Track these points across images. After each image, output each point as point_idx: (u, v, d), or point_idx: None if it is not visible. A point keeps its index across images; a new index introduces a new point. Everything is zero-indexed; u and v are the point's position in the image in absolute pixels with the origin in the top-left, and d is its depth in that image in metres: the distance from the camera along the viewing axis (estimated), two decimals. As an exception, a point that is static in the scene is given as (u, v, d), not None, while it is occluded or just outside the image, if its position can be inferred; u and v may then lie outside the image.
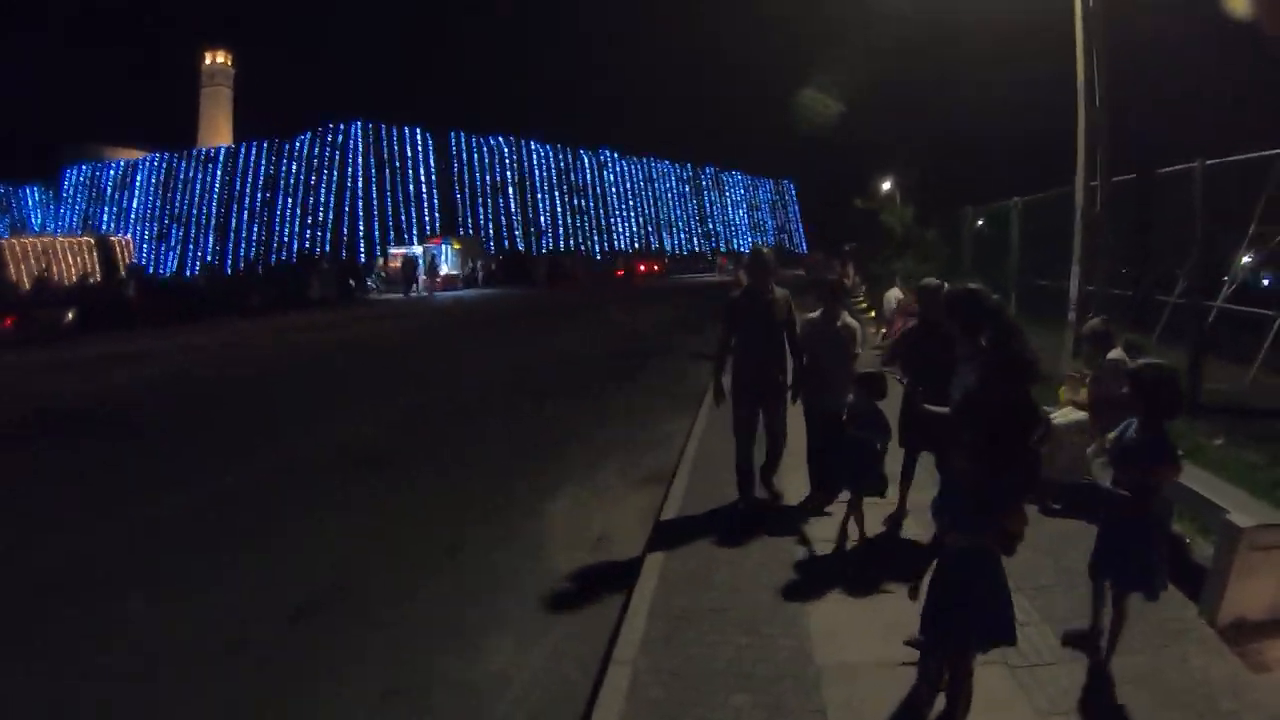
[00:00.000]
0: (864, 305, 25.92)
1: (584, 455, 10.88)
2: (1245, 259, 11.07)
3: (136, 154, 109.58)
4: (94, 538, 7.99)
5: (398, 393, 15.99)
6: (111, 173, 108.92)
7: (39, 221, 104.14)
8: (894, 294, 18.74)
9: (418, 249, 61.37)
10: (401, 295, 49.45)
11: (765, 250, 8.18)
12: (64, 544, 7.84)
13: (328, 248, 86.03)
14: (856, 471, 6.97)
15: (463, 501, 9.03)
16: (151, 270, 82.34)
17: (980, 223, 21.80)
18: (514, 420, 13.33)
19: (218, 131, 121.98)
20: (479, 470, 10.32)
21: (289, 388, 17.22)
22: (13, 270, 47.35)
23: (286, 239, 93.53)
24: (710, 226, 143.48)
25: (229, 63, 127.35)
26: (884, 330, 18.44)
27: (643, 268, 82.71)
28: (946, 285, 7.39)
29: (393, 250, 62.65)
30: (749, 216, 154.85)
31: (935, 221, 25.76)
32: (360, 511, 8.78)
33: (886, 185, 44.30)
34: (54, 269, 49.79)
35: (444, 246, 62.31)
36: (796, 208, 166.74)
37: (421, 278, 53.92)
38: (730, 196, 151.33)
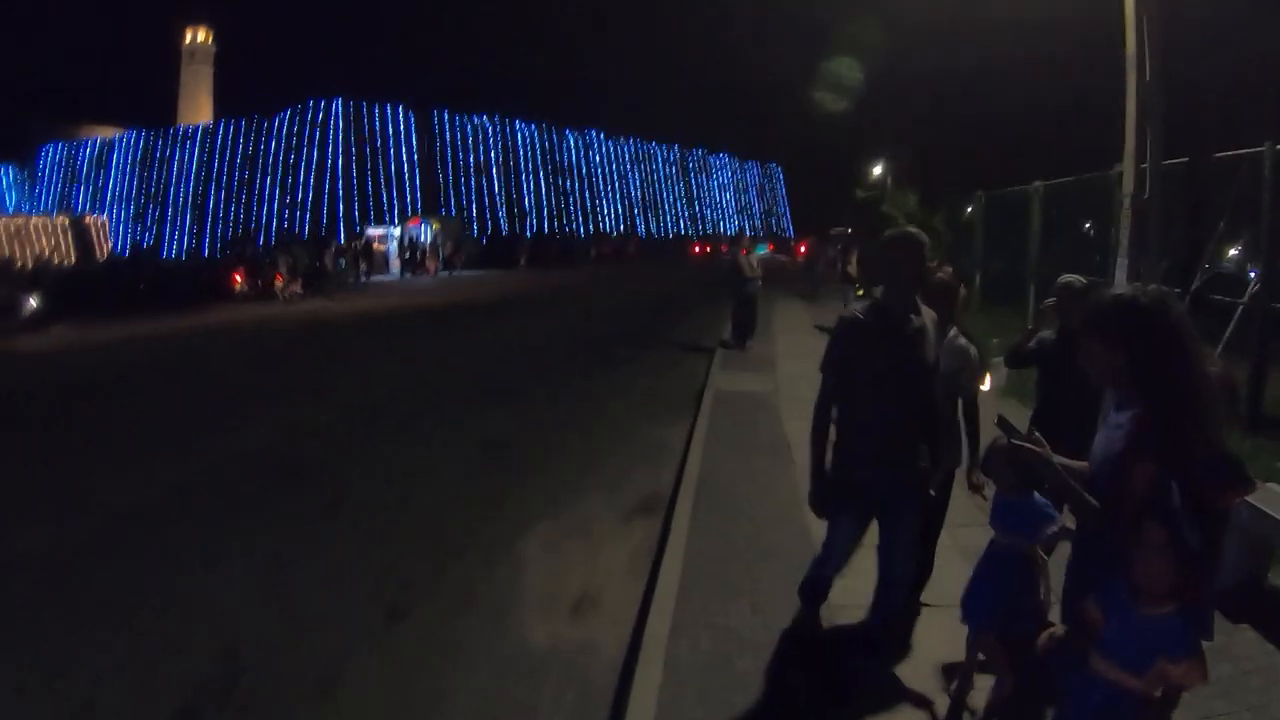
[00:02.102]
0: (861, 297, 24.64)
1: (559, 471, 9.29)
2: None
3: (114, 132, 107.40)
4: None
5: (344, 388, 14.45)
6: (88, 151, 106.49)
7: (13, 202, 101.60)
8: None
9: (395, 230, 59.82)
10: (394, 278, 47.86)
11: (913, 232, 4.56)
12: None
13: (305, 228, 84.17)
14: (1000, 600, 4.18)
15: (408, 537, 7.41)
16: (130, 251, 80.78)
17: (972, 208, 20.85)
18: (473, 425, 11.68)
19: (198, 109, 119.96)
20: (429, 493, 8.70)
21: (237, 381, 15.61)
22: None
23: (265, 220, 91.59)
24: (697, 209, 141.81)
25: (209, 40, 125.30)
26: None
27: (697, 249, 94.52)
28: (1087, 283, 5.65)
29: (370, 231, 60.79)
30: (736, 199, 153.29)
31: (939, 207, 24.56)
32: (272, 552, 7.07)
33: (878, 169, 43.00)
34: (25, 250, 48.52)
35: (423, 226, 60.93)
36: (784, 190, 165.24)
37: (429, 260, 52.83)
38: (718, 179, 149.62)
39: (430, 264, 53.59)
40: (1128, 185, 10.19)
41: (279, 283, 34.72)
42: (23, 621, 5.82)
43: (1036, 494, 4.11)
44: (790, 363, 15.71)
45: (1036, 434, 3.34)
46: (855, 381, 4.52)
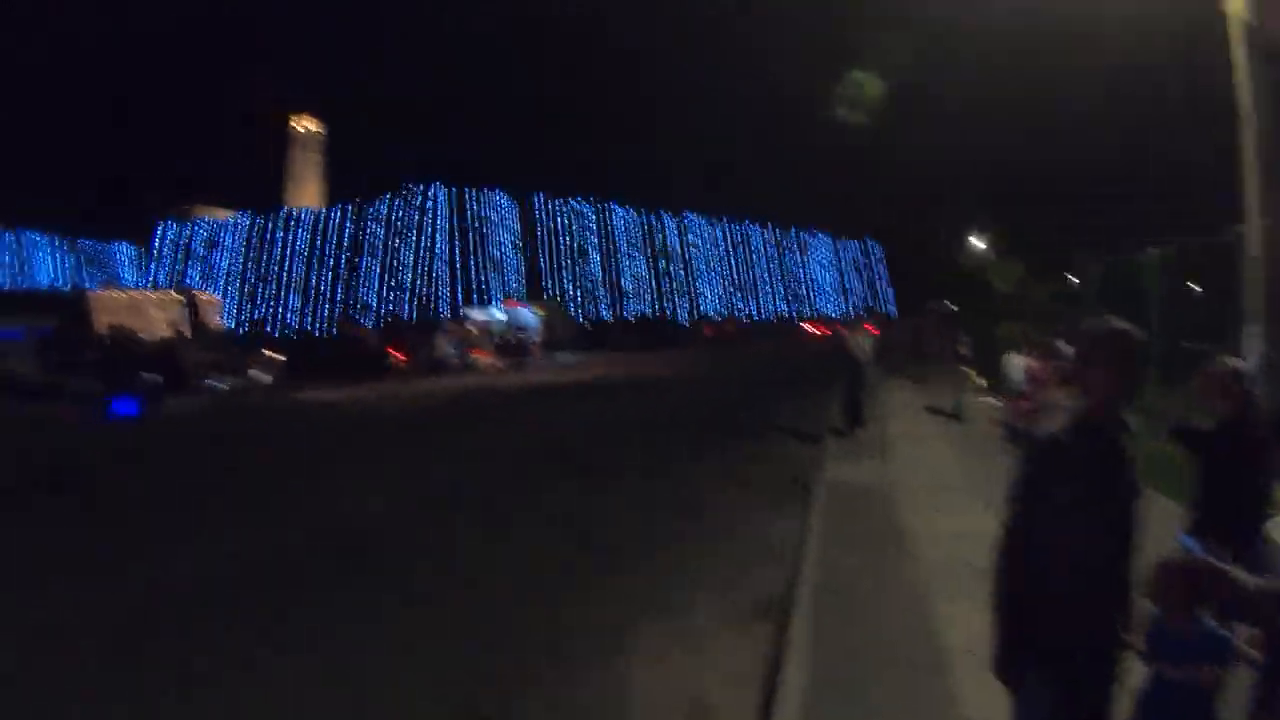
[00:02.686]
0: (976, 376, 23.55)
1: (662, 566, 8.50)
2: None
3: (226, 214, 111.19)
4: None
5: (423, 468, 14.20)
6: (201, 232, 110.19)
7: (130, 278, 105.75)
8: (1018, 360, 16.55)
9: (497, 312, 60.07)
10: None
11: (1125, 328, 3.40)
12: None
13: (411, 310, 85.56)
14: None
15: (493, 634, 6.72)
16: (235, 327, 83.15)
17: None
18: (571, 509, 11.05)
19: (306, 193, 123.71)
20: (523, 585, 7.99)
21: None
22: (97, 321, 47.58)
23: (369, 301, 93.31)
24: (796, 289, 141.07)
25: (318, 128, 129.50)
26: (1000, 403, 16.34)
27: (810, 329, 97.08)
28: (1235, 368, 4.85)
29: (473, 314, 61.07)
30: (835, 278, 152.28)
31: (1044, 276, 23.60)
32: (338, 639, 6.55)
33: (975, 240, 42.00)
34: (140, 323, 49.90)
35: (523, 310, 61.02)
36: (884, 268, 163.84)
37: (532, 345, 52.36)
38: (816, 258, 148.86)
39: (533, 349, 53.26)
40: (1252, 247, 9.27)
41: (480, 357, 38.20)
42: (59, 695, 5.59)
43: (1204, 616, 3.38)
44: (904, 449, 14.86)
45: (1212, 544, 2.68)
46: (1051, 516, 3.37)
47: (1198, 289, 14.64)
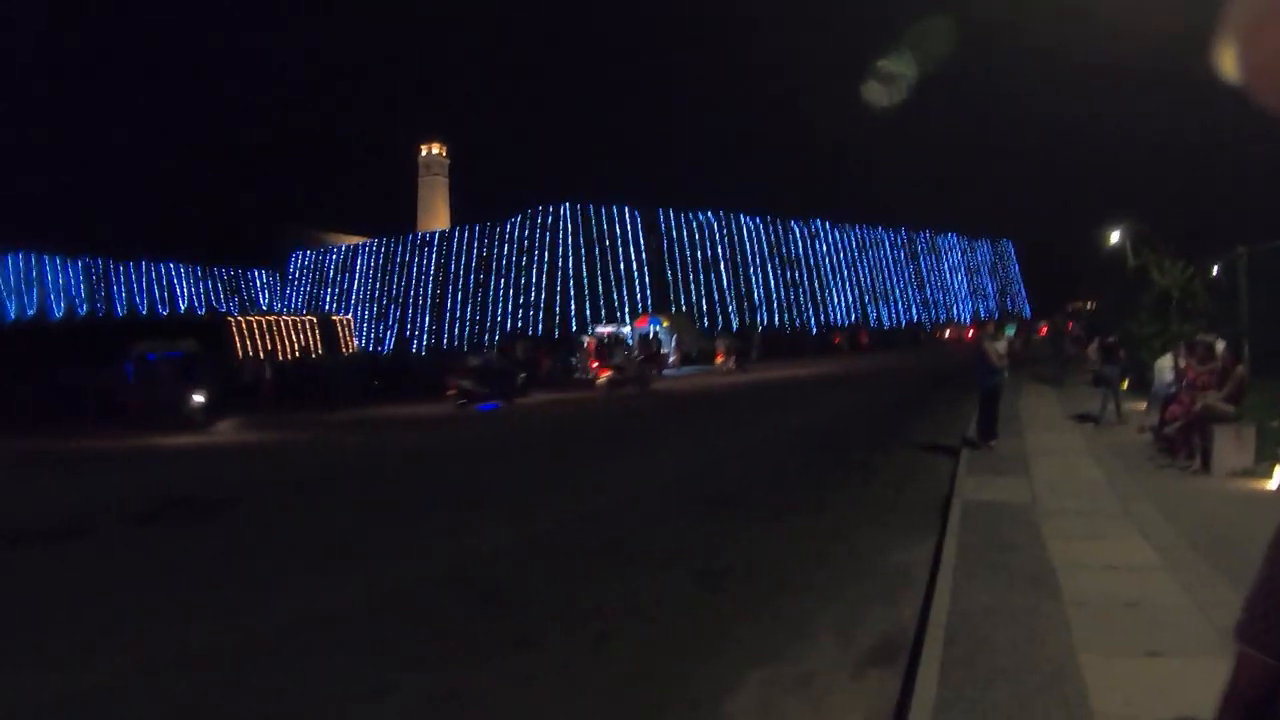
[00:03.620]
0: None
1: (783, 606, 7.75)
2: None
3: (357, 239, 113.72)
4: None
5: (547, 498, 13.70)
6: (334, 257, 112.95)
7: (266, 302, 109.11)
8: (1167, 362, 15.31)
9: (625, 328, 59.66)
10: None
11: None
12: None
13: (537, 327, 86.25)
14: None
15: (604, 683, 6.25)
16: (371, 347, 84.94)
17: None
18: (691, 543, 10.28)
19: (435, 217, 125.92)
20: (634, 628, 7.39)
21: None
22: (237, 345, 49.19)
23: (499, 318, 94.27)
24: (928, 294, 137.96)
25: (444, 153, 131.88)
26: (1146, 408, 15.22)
27: (950, 334, 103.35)
28: None
29: (599, 329, 60.76)
30: (968, 281, 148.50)
31: (1197, 271, 21.87)
32: (449, 689, 6.14)
33: (1115, 236, 40.26)
34: (277, 345, 51.32)
35: (652, 325, 60.54)
36: (1017, 268, 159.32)
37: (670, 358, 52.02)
38: (948, 261, 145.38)
39: (662, 360, 52.44)
40: None
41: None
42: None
43: None
44: (1046, 463, 13.69)
45: None
46: None
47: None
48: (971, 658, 5.83)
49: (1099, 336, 23.63)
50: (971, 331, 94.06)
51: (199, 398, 28.32)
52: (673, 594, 8.32)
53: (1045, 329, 67.85)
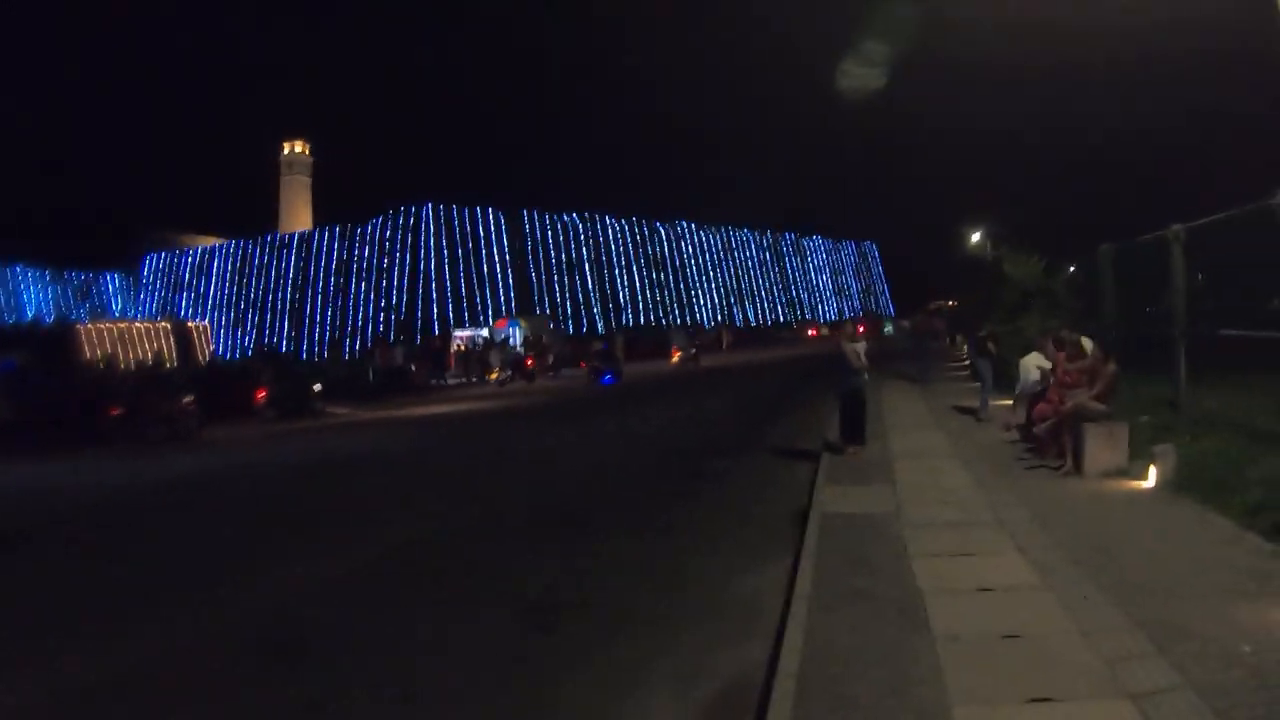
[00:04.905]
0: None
1: (621, 647, 6.78)
2: None
3: (214, 241, 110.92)
4: None
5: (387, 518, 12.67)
6: (190, 259, 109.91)
7: (118, 307, 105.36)
8: (1035, 359, 14.88)
9: (484, 331, 59.44)
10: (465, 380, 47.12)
11: None
12: None
13: (392, 332, 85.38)
14: None
15: None
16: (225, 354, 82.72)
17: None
18: (525, 573, 9.07)
19: (297, 218, 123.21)
20: (452, 680, 6.45)
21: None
22: (88, 354, 47.40)
23: (360, 323, 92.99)
24: (793, 294, 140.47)
25: (307, 152, 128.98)
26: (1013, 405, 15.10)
27: (812, 332, 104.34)
28: None
29: (458, 333, 60.40)
30: (833, 282, 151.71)
31: (1059, 268, 22.42)
32: None
33: (976, 236, 42.34)
34: (129, 353, 49.59)
35: (511, 327, 60.36)
36: (881, 269, 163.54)
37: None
38: (812, 262, 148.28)
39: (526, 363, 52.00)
40: None
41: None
42: None
43: None
44: (911, 467, 12.85)
45: None
46: None
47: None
48: (828, 704, 5.06)
49: (971, 333, 23.62)
50: (829, 330, 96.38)
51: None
52: (498, 637, 7.32)
53: (863, 328, 69.23)
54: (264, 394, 32.29)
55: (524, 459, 18.78)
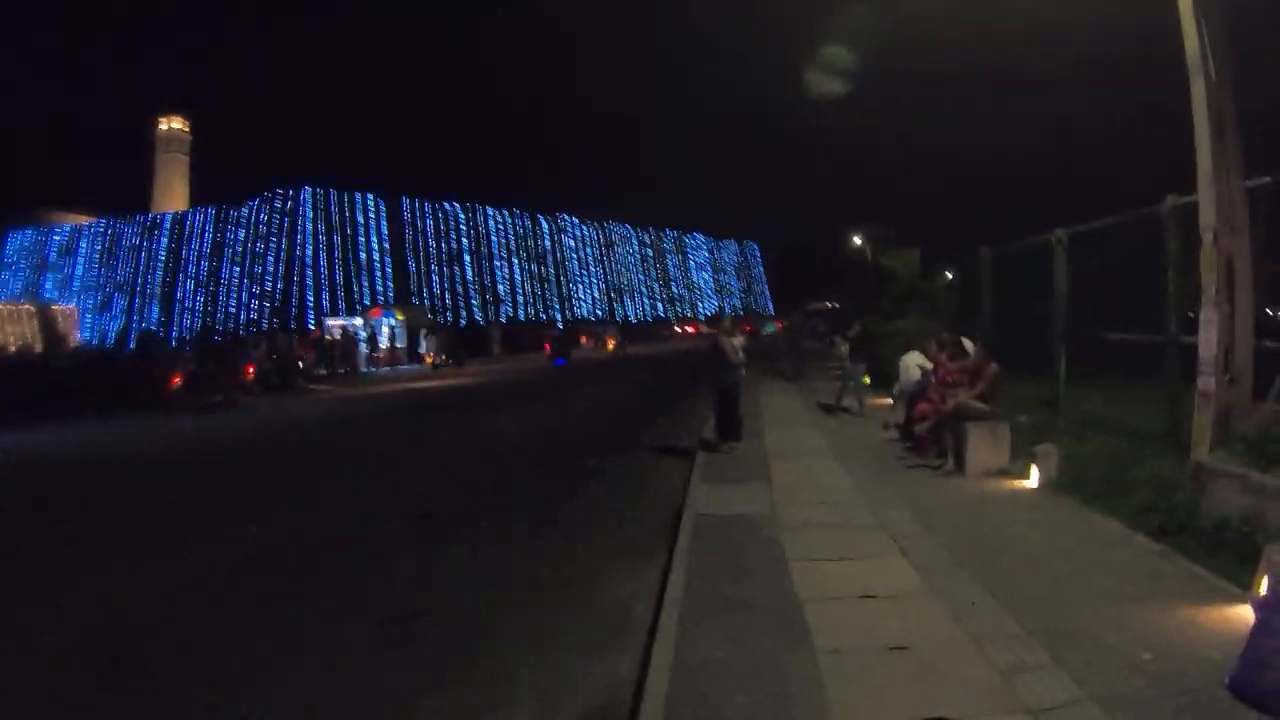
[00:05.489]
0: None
1: (482, 664, 5.99)
2: None
3: (84, 219, 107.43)
4: None
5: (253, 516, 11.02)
6: (57, 238, 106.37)
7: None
8: (915, 359, 14.74)
9: (358, 320, 58.79)
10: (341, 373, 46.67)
11: None
12: None
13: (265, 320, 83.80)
14: None
15: None
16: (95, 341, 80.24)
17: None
18: (387, 580, 8.02)
19: (173, 197, 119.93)
20: (277, 708, 5.45)
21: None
22: None
23: (233, 309, 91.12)
24: (674, 290, 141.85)
25: (186, 129, 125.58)
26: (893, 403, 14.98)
27: (691, 329, 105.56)
28: None
29: (330, 323, 59.72)
30: (714, 279, 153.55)
31: (938, 271, 23.01)
32: None
33: (858, 239, 43.79)
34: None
35: (385, 317, 59.78)
36: (761, 268, 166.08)
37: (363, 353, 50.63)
38: (694, 259, 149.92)
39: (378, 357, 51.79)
40: (1206, 216, 8.00)
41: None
42: None
43: None
44: (788, 466, 12.46)
45: None
46: None
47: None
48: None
49: (843, 334, 23.77)
50: (704, 328, 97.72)
51: None
52: (352, 651, 6.46)
53: (749, 326, 70.05)
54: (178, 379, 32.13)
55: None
